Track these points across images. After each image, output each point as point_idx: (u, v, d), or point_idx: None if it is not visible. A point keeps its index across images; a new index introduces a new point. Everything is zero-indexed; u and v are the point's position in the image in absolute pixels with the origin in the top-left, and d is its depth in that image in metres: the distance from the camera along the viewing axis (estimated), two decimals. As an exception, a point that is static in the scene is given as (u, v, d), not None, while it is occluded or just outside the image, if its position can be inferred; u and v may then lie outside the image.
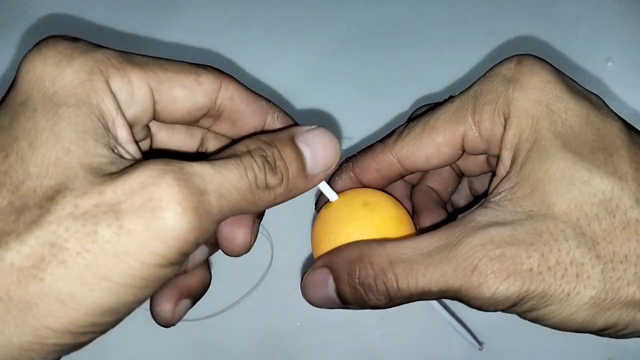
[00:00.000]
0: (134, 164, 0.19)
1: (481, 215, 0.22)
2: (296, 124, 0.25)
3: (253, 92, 0.25)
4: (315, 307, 0.26)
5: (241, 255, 0.24)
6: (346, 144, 0.43)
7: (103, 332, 0.20)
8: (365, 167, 0.28)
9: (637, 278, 0.21)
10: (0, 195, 0.19)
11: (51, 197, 0.18)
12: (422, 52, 0.45)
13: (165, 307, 0.25)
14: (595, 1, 0.46)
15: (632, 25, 0.46)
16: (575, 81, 0.25)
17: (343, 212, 0.27)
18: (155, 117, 0.23)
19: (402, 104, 0.43)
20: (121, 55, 0.21)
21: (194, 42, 0.45)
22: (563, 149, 0.22)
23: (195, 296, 0.26)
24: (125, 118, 0.21)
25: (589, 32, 0.46)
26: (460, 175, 0.30)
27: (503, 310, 0.22)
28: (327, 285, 0.24)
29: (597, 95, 0.24)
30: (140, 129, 0.23)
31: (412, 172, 0.27)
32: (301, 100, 0.44)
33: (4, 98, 0.21)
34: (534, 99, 0.23)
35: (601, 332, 0.22)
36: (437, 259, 0.22)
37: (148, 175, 0.18)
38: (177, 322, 0.25)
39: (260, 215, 0.25)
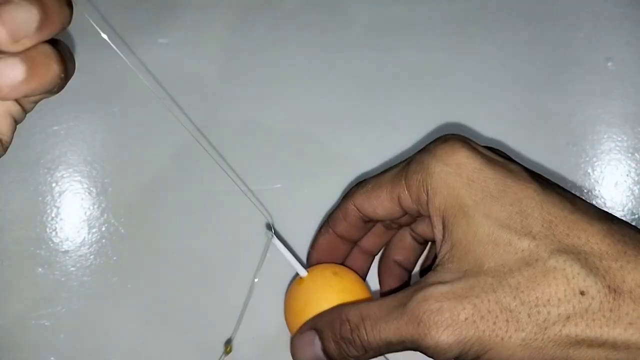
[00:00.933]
0: None
1: (430, 277, 0.26)
2: None
3: None
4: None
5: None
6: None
7: None
8: (336, 217, 0.34)
9: (561, 318, 0.24)
10: None
11: None
12: (417, 51, 0.45)
13: None
14: (595, 1, 0.46)
15: (632, 25, 0.46)
16: (497, 152, 0.29)
17: (319, 282, 0.33)
18: None
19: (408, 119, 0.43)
20: None
21: (194, 43, 0.45)
22: (485, 215, 0.26)
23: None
24: None
25: (589, 32, 0.46)
26: (424, 243, 0.35)
27: None
28: (314, 345, 0.29)
29: (515, 162, 0.28)
30: None
31: (369, 219, 0.32)
32: (301, 99, 0.44)
33: None
34: (454, 172, 0.27)
35: None
36: (394, 315, 0.26)
37: None
38: (21, 38, 0.20)
39: None
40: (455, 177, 0.27)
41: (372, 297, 0.34)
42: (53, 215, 0.40)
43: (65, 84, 0.24)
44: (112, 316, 0.40)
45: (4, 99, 0.21)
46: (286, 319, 0.34)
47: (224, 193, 0.41)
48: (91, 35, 0.46)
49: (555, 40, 0.45)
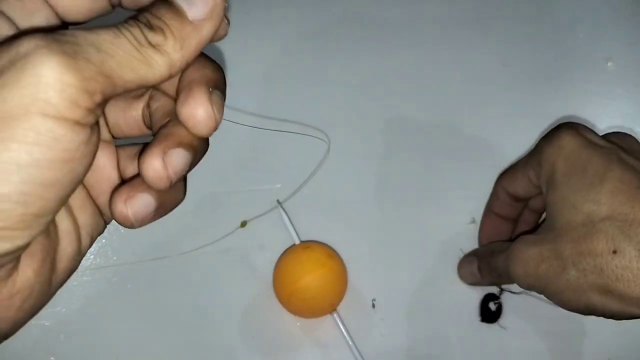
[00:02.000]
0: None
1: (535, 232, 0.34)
2: None
3: None
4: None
5: (210, 132, 0.22)
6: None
7: (21, 240, 0.19)
8: (491, 200, 0.41)
9: (596, 269, 0.29)
10: None
11: None
12: (419, 50, 0.45)
13: (154, 162, 0.21)
14: (595, 1, 0.46)
15: (632, 25, 0.46)
16: (614, 136, 0.33)
17: (291, 257, 0.40)
18: (62, 17, 0.22)
19: (394, 106, 0.43)
20: None
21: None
22: (568, 184, 0.31)
23: (193, 146, 0.22)
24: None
25: (589, 32, 0.46)
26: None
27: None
28: (473, 264, 0.39)
29: (619, 145, 0.32)
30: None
31: (516, 198, 0.38)
32: (302, 98, 0.44)
33: None
34: (556, 151, 0.32)
35: (586, 312, 0.30)
36: (504, 253, 0.35)
37: (14, 39, 0.18)
38: (174, 180, 0.22)
39: (212, 83, 0.23)
40: (556, 155, 0.32)
41: (340, 262, 0.40)
42: (53, 215, 0.40)
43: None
44: (112, 316, 0.40)
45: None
46: (274, 287, 0.39)
47: (224, 193, 0.41)
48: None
49: (555, 40, 0.45)
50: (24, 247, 0.19)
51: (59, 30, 0.19)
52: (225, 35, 0.24)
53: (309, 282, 0.37)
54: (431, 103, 0.44)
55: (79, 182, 0.19)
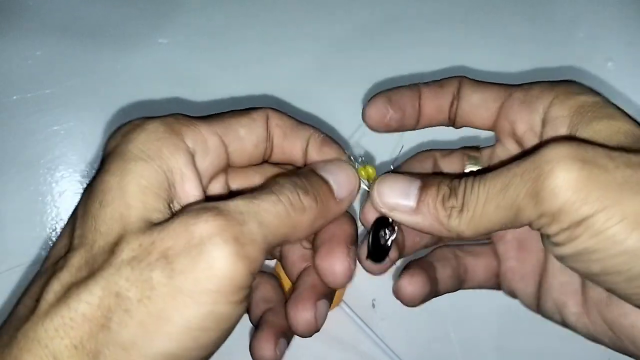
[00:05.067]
0: (179, 211, 0.21)
1: None
2: (338, 147, 0.27)
3: (296, 119, 0.27)
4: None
5: (347, 284, 0.25)
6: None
7: None
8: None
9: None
10: (79, 255, 0.20)
11: (111, 250, 0.20)
12: (420, 51, 0.45)
13: (306, 315, 0.25)
14: (595, 1, 0.46)
15: (632, 25, 0.46)
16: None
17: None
18: (230, 162, 0.25)
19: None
20: (186, 116, 0.24)
21: (194, 43, 0.45)
22: None
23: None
24: (196, 171, 0.23)
25: (589, 32, 0.46)
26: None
27: None
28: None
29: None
30: (221, 182, 0.25)
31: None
32: (300, 100, 0.44)
33: None
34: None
35: None
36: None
37: (187, 217, 0.20)
38: (320, 328, 0.25)
39: (350, 239, 0.26)
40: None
41: None
42: (53, 215, 0.40)
43: None
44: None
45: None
46: None
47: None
48: (91, 36, 0.46)
49: (555, 40, 0.45)
50: None
51: (225, 202, 0.21)
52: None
53: None
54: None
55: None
